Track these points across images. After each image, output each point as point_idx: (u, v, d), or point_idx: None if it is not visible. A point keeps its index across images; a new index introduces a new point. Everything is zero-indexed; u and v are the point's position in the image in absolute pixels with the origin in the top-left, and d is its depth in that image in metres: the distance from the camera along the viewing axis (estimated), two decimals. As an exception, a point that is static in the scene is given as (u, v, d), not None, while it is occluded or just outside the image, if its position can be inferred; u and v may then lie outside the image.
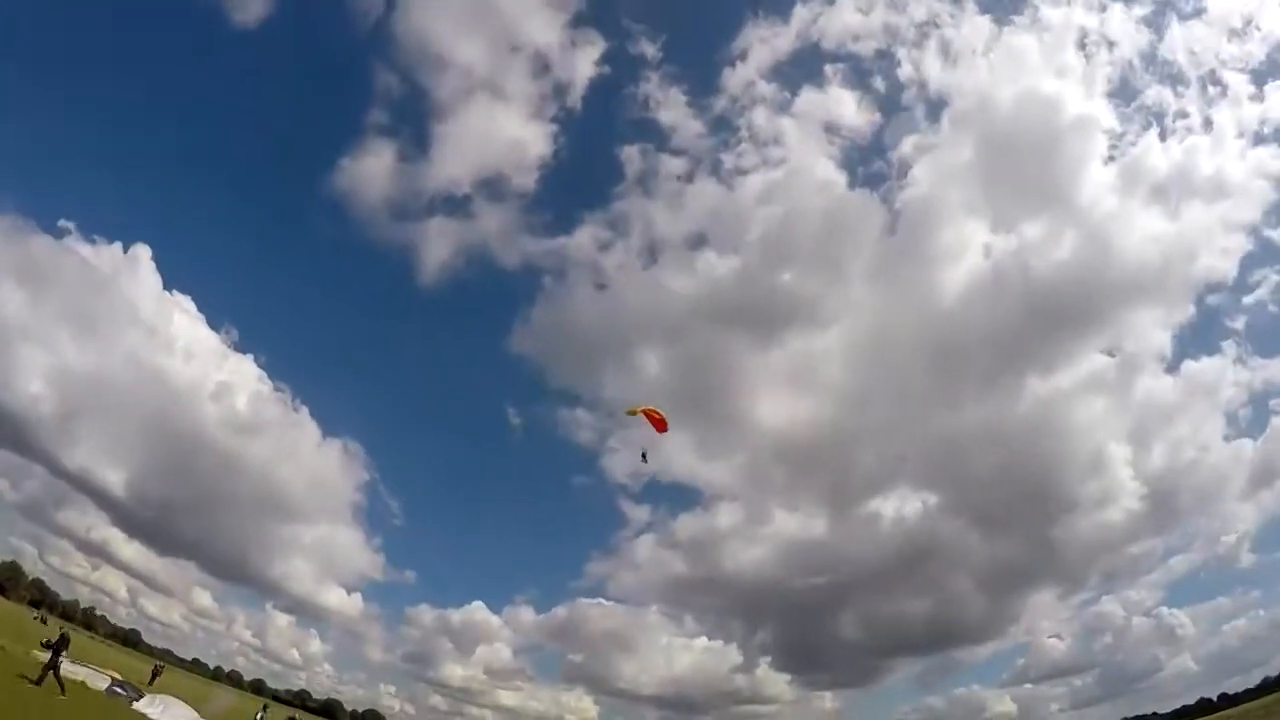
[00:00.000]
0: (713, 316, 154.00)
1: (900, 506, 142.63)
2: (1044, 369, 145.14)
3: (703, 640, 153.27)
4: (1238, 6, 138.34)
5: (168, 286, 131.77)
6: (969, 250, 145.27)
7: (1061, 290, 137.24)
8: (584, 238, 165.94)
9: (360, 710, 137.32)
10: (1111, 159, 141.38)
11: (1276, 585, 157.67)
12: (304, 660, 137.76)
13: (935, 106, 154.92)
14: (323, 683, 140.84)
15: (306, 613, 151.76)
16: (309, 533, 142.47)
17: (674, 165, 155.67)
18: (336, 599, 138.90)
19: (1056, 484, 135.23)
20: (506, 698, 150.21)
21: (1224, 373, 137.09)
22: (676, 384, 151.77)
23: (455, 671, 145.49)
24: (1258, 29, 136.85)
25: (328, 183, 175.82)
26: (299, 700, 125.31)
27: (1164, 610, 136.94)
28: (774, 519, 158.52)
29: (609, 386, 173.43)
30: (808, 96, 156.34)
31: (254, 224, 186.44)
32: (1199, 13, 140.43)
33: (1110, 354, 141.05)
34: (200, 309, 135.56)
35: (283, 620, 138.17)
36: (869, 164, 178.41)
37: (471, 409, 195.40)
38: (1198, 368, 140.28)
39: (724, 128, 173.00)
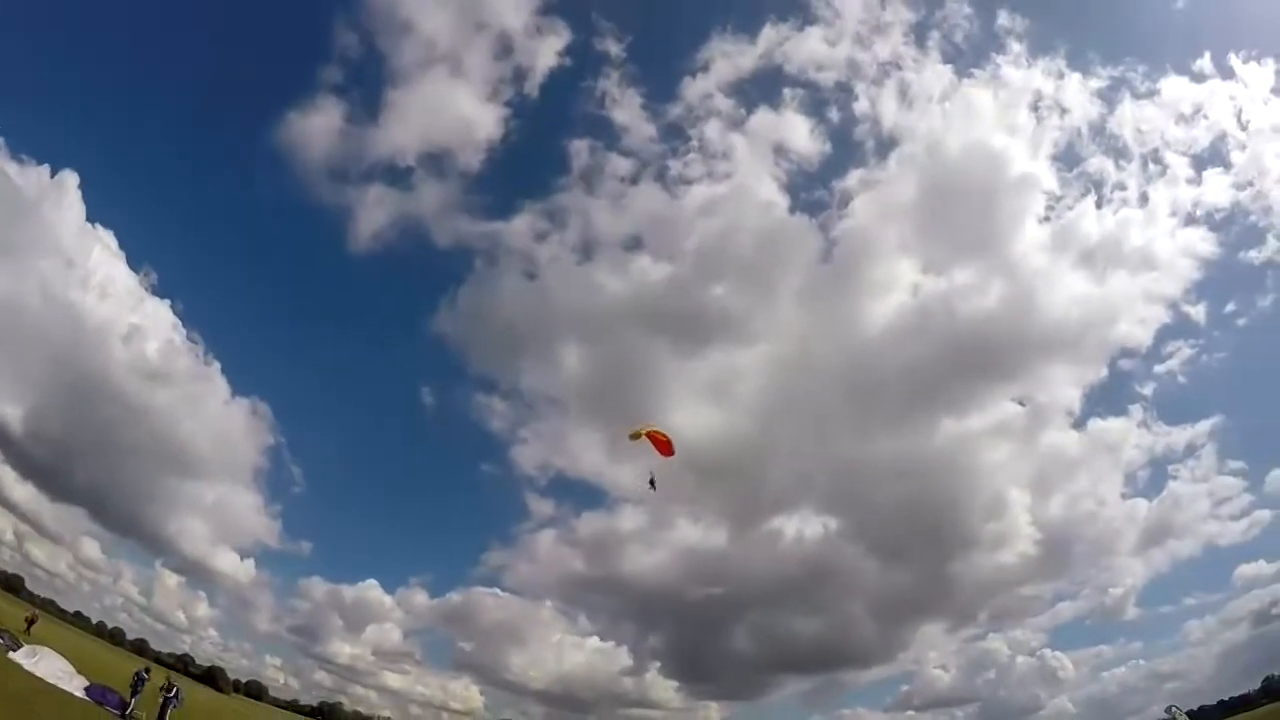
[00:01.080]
0: (639, 320, 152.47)
1: (802, 527, 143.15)
2: (957, 410, 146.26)
3: (595, 640, 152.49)
4: (1189, 95, 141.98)
5: (91, 218, 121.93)
6: (898, 287, 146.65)
7: (982, 337, 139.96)
8: (521, 225, 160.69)
9: (243, 680, 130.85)
10: (1047, 219, 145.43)
11: (1157, 639, 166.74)
12: (190, 624, 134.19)
13: (885, 145, 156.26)
14: (207, 649, 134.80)
15: (197, 575, 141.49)
16: (207, 492, 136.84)
17: (621, 166, 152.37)
18: (229, 563, 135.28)
19: (956, 522, 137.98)
20: (393, 680, 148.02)
21: (1128, 434, 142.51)
22: (595, 382, 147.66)
23: (343, 649, 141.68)
24: (1205, 117, 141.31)
25: (271, 134, 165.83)
26: (181, 664, 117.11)
27: (1047, 652, 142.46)
28: (676, 526, 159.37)
29: (527, 376, 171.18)
30: (762, 117, 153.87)
31: (189, 166, 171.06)
32: (1152, 94, 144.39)
33: (1021, 403, 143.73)
34: (122, 246, 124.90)
35: (172, 580, 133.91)
36: (812, 191, 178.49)
37: (386, 384, 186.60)
38: (1103, 426, 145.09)
39: (676, 135, 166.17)
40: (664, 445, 36.80)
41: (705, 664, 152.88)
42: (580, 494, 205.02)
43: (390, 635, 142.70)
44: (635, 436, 37.21)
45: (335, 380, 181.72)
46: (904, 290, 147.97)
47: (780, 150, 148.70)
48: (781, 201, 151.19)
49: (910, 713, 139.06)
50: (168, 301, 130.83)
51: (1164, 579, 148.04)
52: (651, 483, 39.45)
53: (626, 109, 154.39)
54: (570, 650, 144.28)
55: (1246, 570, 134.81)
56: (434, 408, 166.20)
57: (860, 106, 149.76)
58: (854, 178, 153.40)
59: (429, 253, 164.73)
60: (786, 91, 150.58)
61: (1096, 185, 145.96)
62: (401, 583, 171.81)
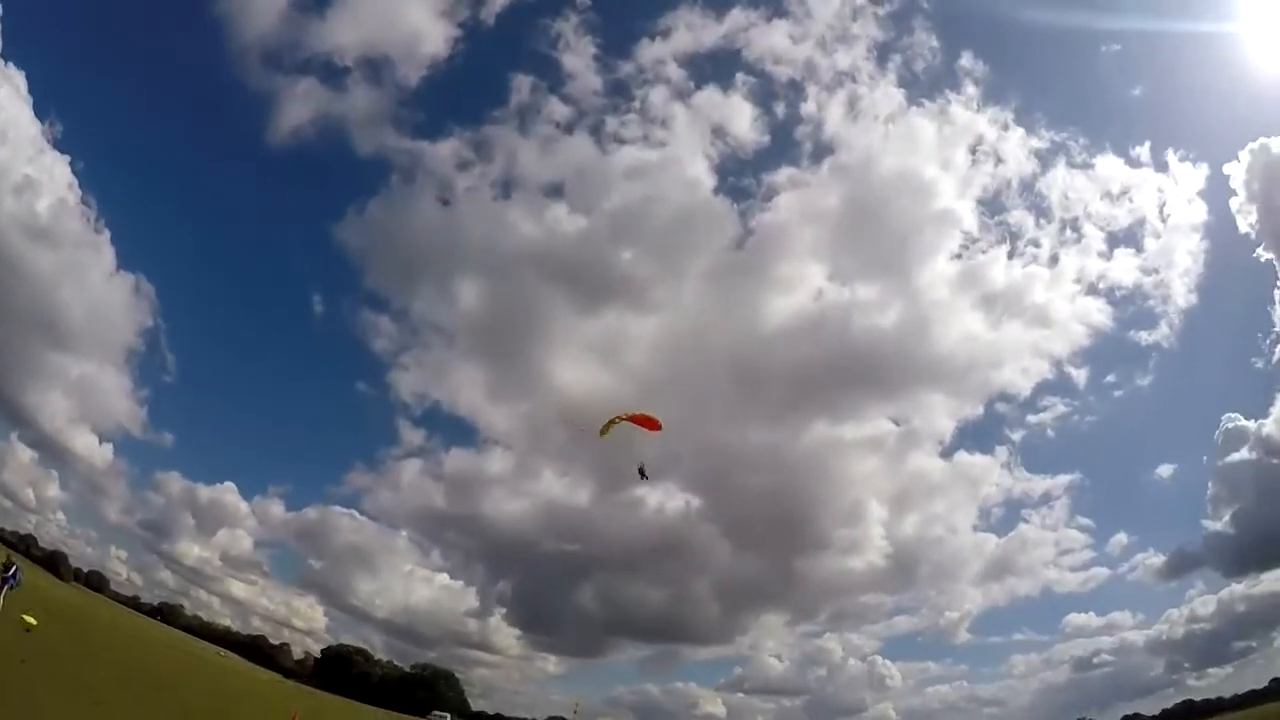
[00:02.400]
0: (543, 268, 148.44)
1: (665, 500, 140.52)
2: (833, 417, 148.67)
3: (444, 577, 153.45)
4: (1121, 176, 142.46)
5: (5, 55, 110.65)
6: (802, 289, 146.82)
7: (873, 353, 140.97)
8: (446, 150, 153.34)
9: (85, 570, 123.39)
10: (959, 257, 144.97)
11: (982, 666, 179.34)
12: (38, 503, 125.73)
13: (822, 150, 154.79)
14: (52, 532, 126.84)
15: (51, 452, 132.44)
16: (75, 367, 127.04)
17: (559, 111, 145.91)
18: (86, 445, 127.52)
19: (813, 522, 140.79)
20: (238, 589, 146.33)
21: (990, 473, 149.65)
22: (488, 320, 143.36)
23: (192, 550, 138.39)
24: (1130, 200, 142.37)
25: (210, 2, 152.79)
26: (23, 545, 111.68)
27: (879, 659, 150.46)
28: (542, 478, 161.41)
29: (421, 303, 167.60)
30: (710, 95, 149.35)
31: (119, 21, 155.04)
32: (1086, 166, 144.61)
33: (897, 423, 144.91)
34: (31, 90, 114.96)
35: (25, 455, 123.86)
36: (740, 178, 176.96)
37: (278, 284, 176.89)
38: (969, 460, 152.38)
39: (620, 93, 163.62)
40: (651, 422, 33.84)
41: (550, 617, 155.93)
42: (453, 429, 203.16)
43: (241, 543, 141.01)
44: (608, 429, 34.01)
45: (227, 271, 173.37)
46: (807, 293, 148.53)
47: (719, 131, 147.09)
48: (708, 181, 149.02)
49: (740, 695, 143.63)
50: (68, 158, 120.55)
51: (999, 612, 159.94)
52: (641, 471, 36.41)
53: (578, 56, 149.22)
54: (419, 584, 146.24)
55: (1076, 619, 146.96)
56: (321, 317, 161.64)
57: (807, 108, 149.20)
58: (784, 175, 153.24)
59: (346, 159, 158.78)
60: (739, 76, 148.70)
61: (1013, 237, 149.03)
62: (260, 490, 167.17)
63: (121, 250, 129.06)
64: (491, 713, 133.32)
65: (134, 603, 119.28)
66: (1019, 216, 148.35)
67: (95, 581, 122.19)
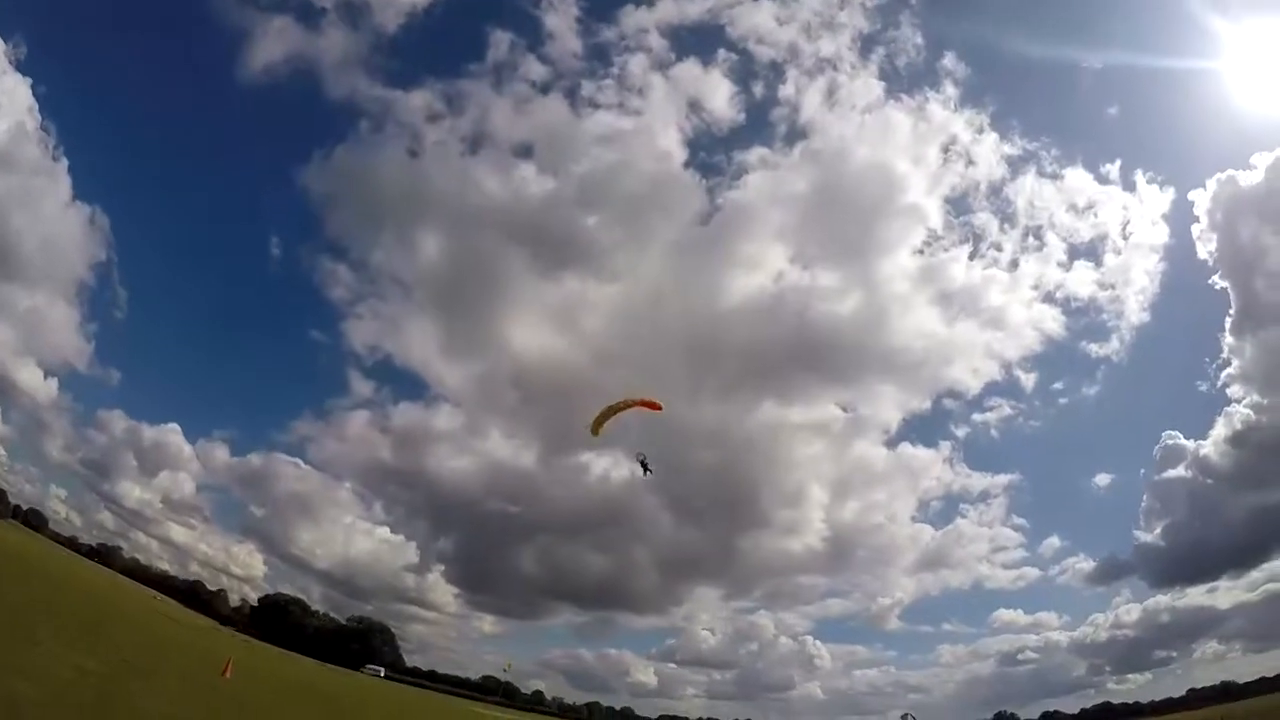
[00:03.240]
0: (507, 227, 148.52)
1: (610, 468, 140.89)
2: (782, 399, 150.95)
3: (385, 531, 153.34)
4: (1088, 190, 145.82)
5: None
6: (763, 270, 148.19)
7: (827, 339, 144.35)
8: (418, 101, 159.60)
9: (24, 507, 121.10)
10: (921, 253, 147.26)
11: (910, 653, 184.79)
12: None
13: (796, 134, 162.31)
14: None
15: None
16: (23, 297, 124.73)
17: (536, 71, 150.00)
18: (31, 378, 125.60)
19: (755, 500, 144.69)
20: (177, 533, 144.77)
21: (932, 466, 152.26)
22: (447, 275, 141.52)
23: (133, 491, 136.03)
24: (1095, 215, 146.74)
25: None
26: None
27: (809, 639, 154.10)
28: (490, 437, 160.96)
29: (380, 253, 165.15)
30: (689, 68, 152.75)
31: None
32: (1055, 177, 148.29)
33: (845, 410, 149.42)
34: None
35: None
36: (712, 154, 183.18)
37: (237, 224, 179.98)
38: (912, 453, 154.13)
39: (599, 58, 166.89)
40: (654, 405, 31.88)
41: (489, 577, 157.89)
42: (403, 382, 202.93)
43: (183, 486, 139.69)
44: (601, 422, 31.91)
45: (186, 208, 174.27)
46: (768, 274, 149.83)
47: (695, 106, 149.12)
48: (679, 154, 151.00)
49: (672, 665, 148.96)
50: (30, 80, 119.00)
51: (930, 601, 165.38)
52: (644, 465, 33.61)
53: (561, 16, 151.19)
54: (360, 536, 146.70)
55: (1005, 615, 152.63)
56: (279, 261, 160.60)
57: (786, 91, 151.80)
58: (756, 155, 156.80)
59: (316, 102, 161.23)
60: (721, 52, 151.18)
61: (976, 238, 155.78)
62: (204, 433, 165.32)
63: (79, 180, 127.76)
64: (425, 669, 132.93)
65: (72, 543, 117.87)
66: (984, 219, 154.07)
67: (34, 520, 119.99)
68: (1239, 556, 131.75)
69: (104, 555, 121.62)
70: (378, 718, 29.89)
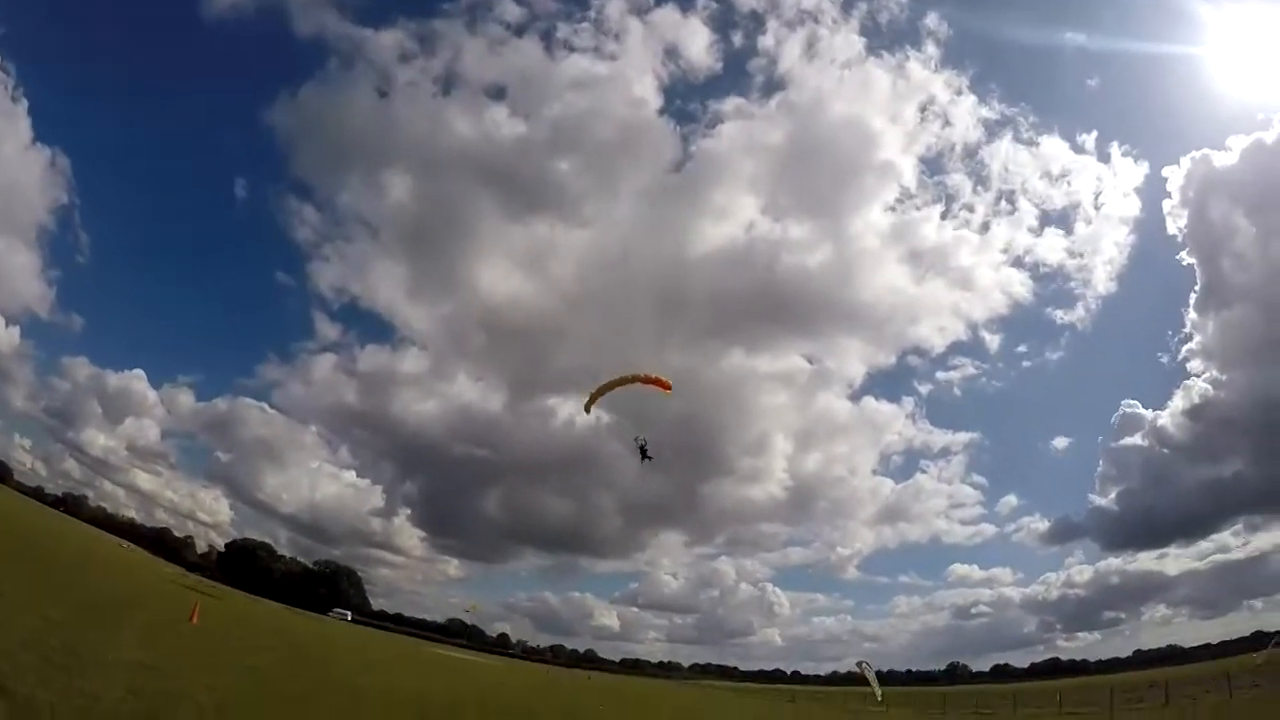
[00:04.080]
0: (477, 170, 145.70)
1: (575, 413, 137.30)
2: (749, 348, 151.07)
3: (351, 475, 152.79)
4: (1064, 158, 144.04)
5: None
6: (734, 220, 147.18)
7: (796, 291, 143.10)
8: (389, 40, 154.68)
9: None
10: (893, 210, 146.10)
11: (867, 603, 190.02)
12: None
13: (773, 85, 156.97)
14: None
15: None
16: None
17: (511, 12, 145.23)
18: None
19: (719, 448, 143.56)
20: (143, 480, 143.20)
21: (894, 421, 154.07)
22: (415, 217, 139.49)
23: (97, 439, 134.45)
24: (1068, 184, 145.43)
25: None
26: None
27: (769, 586, 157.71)
28: (456, 380, 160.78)
29: (348, 194, 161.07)
30: (667, 13, 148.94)
31: None
32: (1031, 144, 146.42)
33: (810, 361, 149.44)
34: None
35: None
36: (688, 101, 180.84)
37: (202, 164, 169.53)
38: (875, 407, 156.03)
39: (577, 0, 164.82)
40: (663, 383, 29.40)
41: (455, 521, 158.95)
42: (370, 325, 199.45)
43: (148, 432, 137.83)
44: (598, 397, 29.52)
45: (149, 149, 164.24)
46: (739, 224, 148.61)
47: (672, 52, 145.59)
48: (654, 101, 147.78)
49: (634, 609, 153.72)
50: None
51: (887, 554, 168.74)
52: (643, 450, 30.51)
53: None
54: (326, 480, 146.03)
55: (960, 569, 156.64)
56: (244, 202, 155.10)
57: (765, 41, 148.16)
58: (731, 104, 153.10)
59: (284, 39, 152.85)
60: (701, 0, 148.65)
61: (949, 199, 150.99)
62: (169, 378, 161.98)
63: (39, 121, 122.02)
64: (392, 612, 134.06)
65: (38, 494, 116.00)
66: (957, 180, 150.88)
67: None
68: (1189, 526, 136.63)
69: (70, 505, 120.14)
70: (343, 659, 30.74)
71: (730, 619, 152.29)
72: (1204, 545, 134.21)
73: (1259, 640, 67.36)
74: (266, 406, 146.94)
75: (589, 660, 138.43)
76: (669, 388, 28.71)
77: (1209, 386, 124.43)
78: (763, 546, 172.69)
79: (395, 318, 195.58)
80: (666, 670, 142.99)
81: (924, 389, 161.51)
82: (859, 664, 78.01)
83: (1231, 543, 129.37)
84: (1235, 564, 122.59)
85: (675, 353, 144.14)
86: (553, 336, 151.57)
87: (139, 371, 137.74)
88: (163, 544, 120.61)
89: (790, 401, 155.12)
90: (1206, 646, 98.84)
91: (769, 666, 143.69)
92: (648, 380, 28.53)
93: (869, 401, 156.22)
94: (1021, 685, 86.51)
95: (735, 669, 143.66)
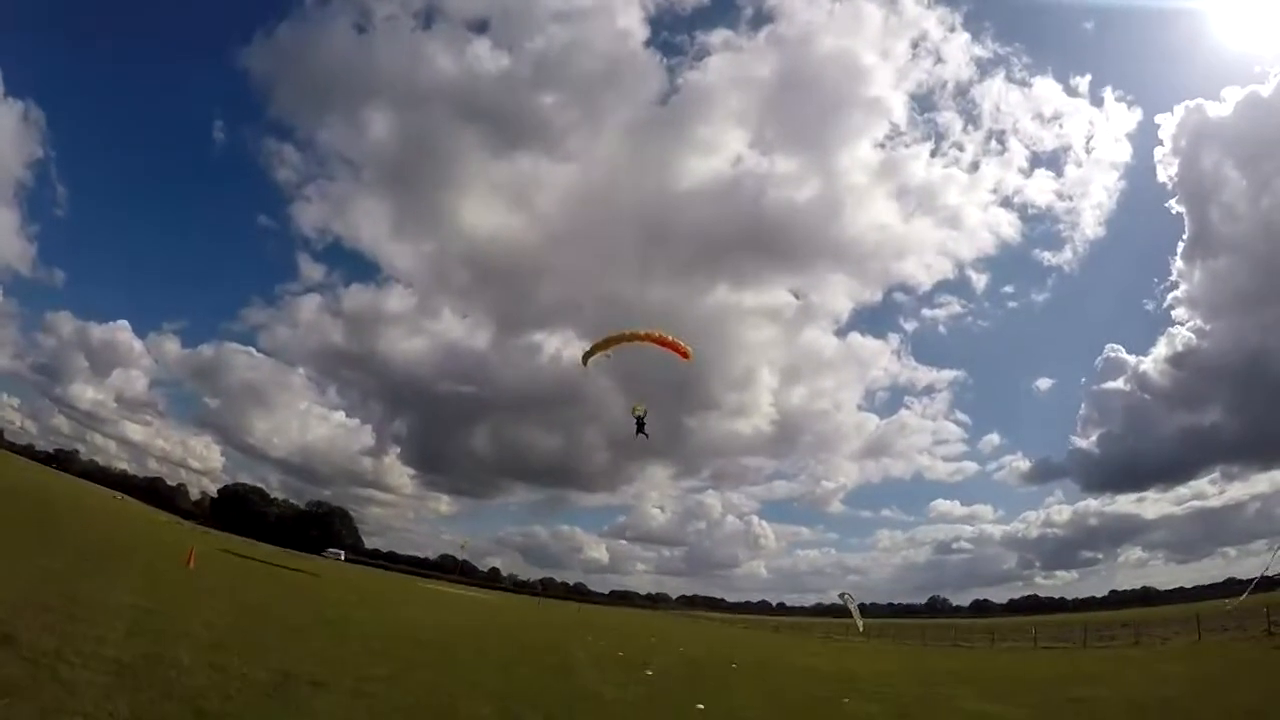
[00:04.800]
0: (459, 105, 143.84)
1: (562, 347, 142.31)
2: (735, 283, 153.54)
3: (341, 415, 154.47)
4: (1056, 100, 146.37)
5: None
6: (721, 153, 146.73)
7: (782, 226, 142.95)
8: None
9: None
10: (882, 146, 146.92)
11: (851, 536, 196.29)
12: None
13: (762, 18, 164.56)
14: None
15: None
16: None
17: None
18: None
19: (706, 382, 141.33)
20: (133, 431, 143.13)
21: (880, 357, 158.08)
22: (397, 154, 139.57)
23: (85, 393, 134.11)
24: (1060, 126, 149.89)
25: None
26: None
27: (755, 519, 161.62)
28: (442, 318, 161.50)
29: (327, 133, 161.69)
30: None
31: None
32: (1024, 84, 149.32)
33: (797, 296, 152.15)
34: None
35: None
36: (674, 33, 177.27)
37: (178, 109, 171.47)
38: (861, 342, 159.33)
39: None
40: (681, 349, 25.89)
41: (444, 458, 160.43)
42: (354, 265, 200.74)
43: (136, 383, 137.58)
44: (597, 352, 25.91)
45: (124, 97, 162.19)
46: (726, 158, 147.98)
47: None
48: (640, 33, 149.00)
49: (623, 542, 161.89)
50: None
51: (871, 488, 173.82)
52: (640, 424, 26.80)
53: None
54: (315, 422, 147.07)
55: (942, 505, 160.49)
56: (223, 145, 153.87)
57: None
58: (719, 36, 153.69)
59: None
60: None
61: (939, 137, 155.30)
62: (154, 327, 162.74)
63: (9, 74, 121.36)
64: (385, 550, 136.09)
65: (29, 451, 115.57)
66: (948, 118, 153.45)
67: None
68: (1168, 471, 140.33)
69: (62, 460, 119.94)
70: (336, 595, 31.62)
71: (717, 551, 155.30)
72: (1182, 491, 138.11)
73: (1231, 586, 67.11)
74: (253, 350, 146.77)
75: (579, 593, 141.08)
76: (688, 356, 25.74)
77: (1192, 335, 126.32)
78: (748, 480, 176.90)
79: (379, 256, 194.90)
80: (654, 602, 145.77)
81: (910, 326, 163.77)
82: (841, 595, 79.87)
83: (1208, 490, 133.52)
84: (1211, 511, 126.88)
85: (660, 286, 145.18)
86: (538, 272, 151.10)
87: (123, 322, 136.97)
88: (156, 493, 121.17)
89: (776, 336, 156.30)
90: (1180, 590, 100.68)
91: (755, 598, 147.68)
92: (663, 343, 25.22)
93: (855, 337, 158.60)
94: (1000, 620, 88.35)
95: (722, 600, 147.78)
